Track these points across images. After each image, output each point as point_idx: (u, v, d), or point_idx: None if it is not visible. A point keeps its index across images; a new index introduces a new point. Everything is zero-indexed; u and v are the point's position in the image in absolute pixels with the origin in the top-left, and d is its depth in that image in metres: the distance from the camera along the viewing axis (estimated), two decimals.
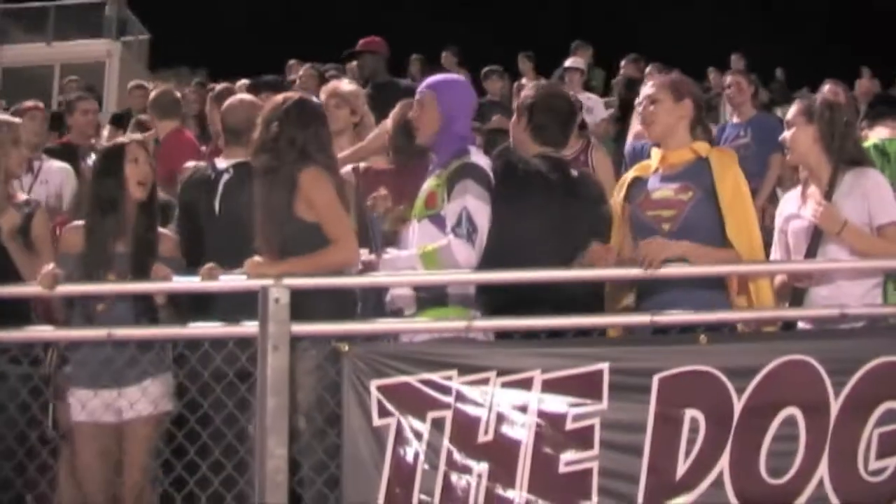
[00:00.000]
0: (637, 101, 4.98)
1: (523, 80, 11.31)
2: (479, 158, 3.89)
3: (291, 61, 12.83)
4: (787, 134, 4.00)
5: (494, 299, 3.71)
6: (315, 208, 3.76)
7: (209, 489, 3.50)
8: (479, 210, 3.76)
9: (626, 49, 11.57)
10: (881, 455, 3.27)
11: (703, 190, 3.84)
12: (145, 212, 4.06)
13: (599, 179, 4.53)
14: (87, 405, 3.74)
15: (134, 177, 4.03)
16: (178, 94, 7.38)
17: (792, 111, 4.04)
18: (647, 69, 7.70)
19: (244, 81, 9.93)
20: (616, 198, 4.08)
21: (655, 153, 4.01)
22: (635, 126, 6.48)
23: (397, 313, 3.93)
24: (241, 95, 5.10)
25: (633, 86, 10.01)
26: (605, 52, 12.52)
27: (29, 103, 6.73)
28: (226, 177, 4.46)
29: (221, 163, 4.54)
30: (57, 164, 6.34)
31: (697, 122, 3.97)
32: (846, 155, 3.87)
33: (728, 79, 6.68)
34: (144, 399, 3.71)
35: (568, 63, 10.70)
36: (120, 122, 10.31)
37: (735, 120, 7.23)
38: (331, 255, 3.71)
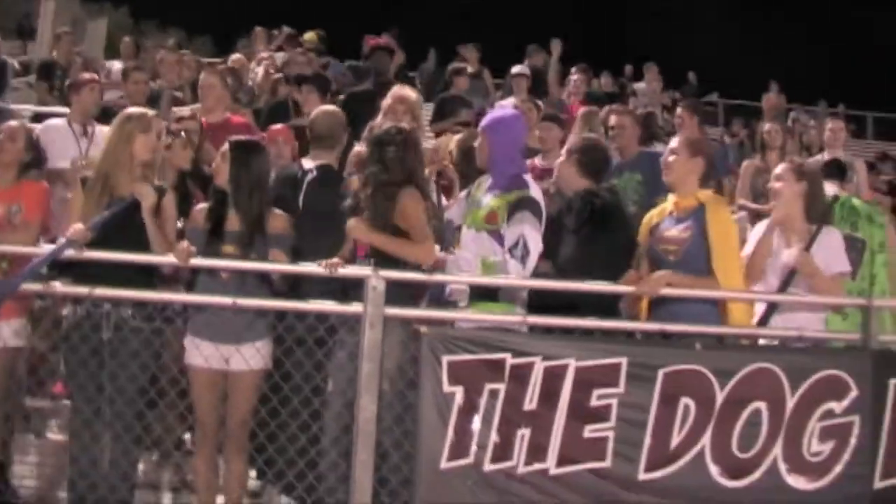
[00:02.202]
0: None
1: (468, 69, 11.33)
2: (536, 192, 4.84)
3: (257, 28, 13.09)
4: (776, 185, 5.02)
5: (546, 299, 4.72)
6: (407, 221, 4.66)
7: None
8: (533, 238, 4.70)
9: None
10: (820, 441, 4.46)
11: (700, 229, 4.86)
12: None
13: None
14: (204, 353, 4.50)
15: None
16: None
17: (783, 168, 5.07)
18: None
19: (238, 56, 10.27)
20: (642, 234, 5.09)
21: (671, 198, 5.05)
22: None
23: (453, 302, 4.87)
24: (325, 107, 5.84)
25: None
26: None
27: (86, 76, 7.14)
28: (310, 176, 5.32)
29: (308, 163, 5.37)
30: (106, 129, 6.66)
31: (708, 176, 5.03)
32: (819, 211, 4.99)
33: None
34: (258, 355, 4.53)
35: (514, 70, 10.94)
36: (48, 75, 9.91)
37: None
38: (413, 250, 4.62)
